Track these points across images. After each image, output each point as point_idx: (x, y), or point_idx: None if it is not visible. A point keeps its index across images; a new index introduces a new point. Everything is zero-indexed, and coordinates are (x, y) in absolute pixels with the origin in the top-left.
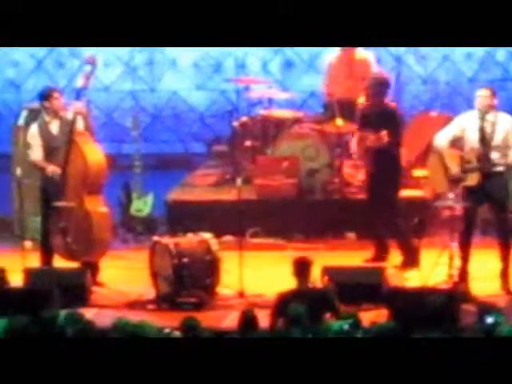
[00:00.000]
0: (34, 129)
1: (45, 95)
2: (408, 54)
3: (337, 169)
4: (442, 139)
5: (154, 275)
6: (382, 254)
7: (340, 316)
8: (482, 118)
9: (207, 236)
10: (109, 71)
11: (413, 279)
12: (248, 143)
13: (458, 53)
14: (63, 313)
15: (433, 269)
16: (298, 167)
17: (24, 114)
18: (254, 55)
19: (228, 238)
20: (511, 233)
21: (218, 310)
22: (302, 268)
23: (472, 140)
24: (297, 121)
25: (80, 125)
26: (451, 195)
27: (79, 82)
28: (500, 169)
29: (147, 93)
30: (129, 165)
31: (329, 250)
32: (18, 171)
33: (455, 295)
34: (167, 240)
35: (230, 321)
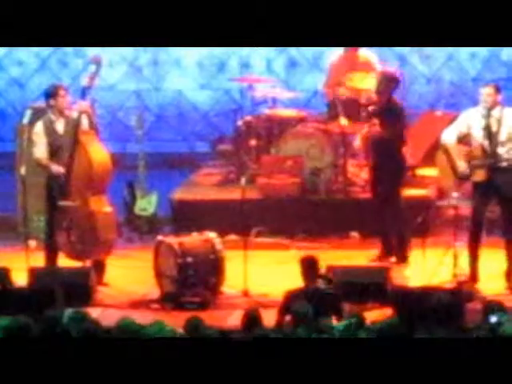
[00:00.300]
0: (39, 127)
1: (51, 93)
2: (412, 54)
3: (341, 168)
4: (449, 136)
5: (159, 275)
6: (387, 251)
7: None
8: (488, 114)
9: (211, 235)
10: (113, 70)
11: (417, 278)
12: (252, 142)
13: (463, 52)
14: (68, 312)
15: (437, 268)
16: (302, 166)
17: (28, 113)
18: (259, 55)
19: (232, 237)
20: None
21: (223, 309)
22: (309, 267)
23: (478, 136)
24: (301, 120)
25: (85, 124)
26: (455, 194)
27: (84, 82)
28: (507, 164)
29: (152, 92)
30: (133, 164)
31: (333, 249)
32: (23, 170)
33: (460, 294)
34: (171, 239)
35: (234, 320)
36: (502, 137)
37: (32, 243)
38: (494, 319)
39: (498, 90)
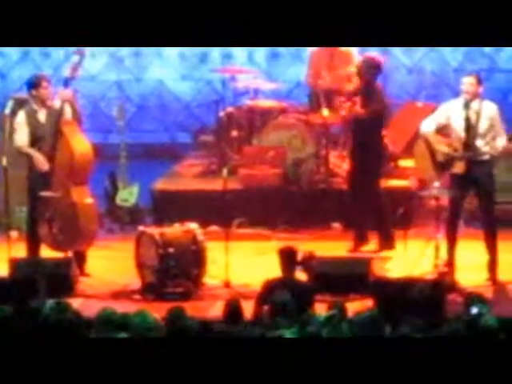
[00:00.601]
0: (21, 116)
1: (33, 83)
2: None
3: (323, 159)
4: (428, 126)
5: (140, 265)
6: (360, 242)
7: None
8: (467, 106)
9: (193, 226)
10: (95, 61)
11: (399, 269)
12: (234, 133)
13: None
14: (49, 303)
15: (419, 259)
16: (284, 157)
17: (10, 103)
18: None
19: (214, 227)
20: (497, 221)
21: (204, 300)
22: (287, 258)
23: (457, 128)
24: (283, 111)
25: (68, 112)
26: (436, 184)
27: (66, 72)
28: (486, 157)
29: (133, 82)
30: (115, 155)
31: (314, 240)
32: (4, 161)
33: (441, 285)
34: (153, 230)
35: (215, 310)
36: (481, 129)
37: (14, 234)
38: (474, 310)
39: (479, 80)
